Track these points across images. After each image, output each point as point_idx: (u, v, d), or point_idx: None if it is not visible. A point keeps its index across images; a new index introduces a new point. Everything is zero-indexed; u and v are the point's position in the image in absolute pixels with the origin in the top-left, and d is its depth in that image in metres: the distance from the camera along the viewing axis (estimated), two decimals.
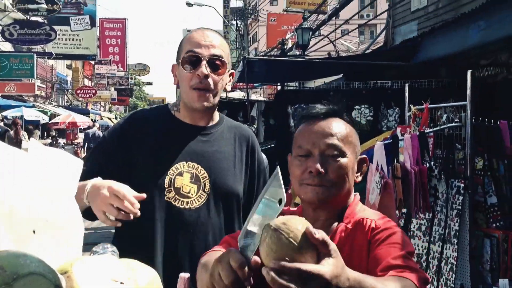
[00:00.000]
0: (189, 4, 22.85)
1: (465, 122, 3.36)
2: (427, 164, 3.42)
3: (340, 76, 9.08)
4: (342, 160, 1.28)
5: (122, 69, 37.87)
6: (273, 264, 0.91)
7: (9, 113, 17.76)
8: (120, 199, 1.42)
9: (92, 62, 33.78)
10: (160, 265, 1.64)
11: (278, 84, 9.97)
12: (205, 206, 1.70)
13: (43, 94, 27.66)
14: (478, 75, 6.42)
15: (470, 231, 3.23)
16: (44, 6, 18.62)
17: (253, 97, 15.66)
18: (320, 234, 0.94)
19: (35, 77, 20.22)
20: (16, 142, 12.28)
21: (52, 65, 29.15)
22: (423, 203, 3.20)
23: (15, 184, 0.98)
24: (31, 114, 19.27)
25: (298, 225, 0.95)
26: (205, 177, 1.72)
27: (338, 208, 1.32)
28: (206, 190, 1.71)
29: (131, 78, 43.04)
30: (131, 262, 1.10)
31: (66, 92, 34.02)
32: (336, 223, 1.31)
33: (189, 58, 1.70)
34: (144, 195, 1.47)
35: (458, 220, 3.25)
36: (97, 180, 1.52)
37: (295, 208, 1.42)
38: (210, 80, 1.69)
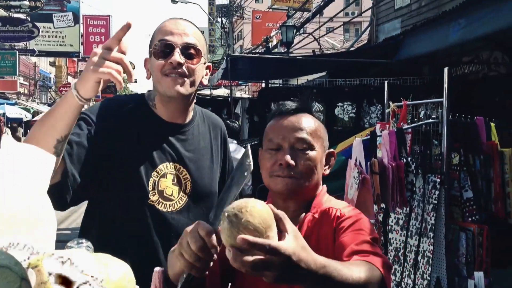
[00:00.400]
0: (174, 1, 22.63)
1: (442, 119, 3.42)
2: (404, 160, 3.47)
3: (324, 73, 9.12)
4: (311, 153, 1.33)
5: None
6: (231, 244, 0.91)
7: None
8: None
9: (76, 59, 33.36)
10: (143, 268, 1.60)
11: (263, 81, 9.99)
12: (186, 208, 1.66)
13: (26, 91, 27.33)
14: (460, 72, 6.50)
15: (446, 225, 3.27)
16: (27, 3, 18.39)
17: (238, 94, 15.67)
18: (282, 213, 0.95)
19: (17, 74, 20.03)
20: None
21: (35, 62, 28.83)
22: (400, 197, 3.24)
23: None
24: (13, 111, 19.07)
25: (252, 213, 0.93)
26: (187, 178, 1.67)
27: (307, 199, 1.36)
28: (187, 192, 1.67)
29: None
30: (103, 257, 1.11)
31: (49, 90, 33.65)
32: (303, 214, 1.35)
33: (160, 47, 1.57)
34: (130, 22, 1.34)
35: (434, 214, 3.29)
36: None
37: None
38: (184, 67, 1.57)
